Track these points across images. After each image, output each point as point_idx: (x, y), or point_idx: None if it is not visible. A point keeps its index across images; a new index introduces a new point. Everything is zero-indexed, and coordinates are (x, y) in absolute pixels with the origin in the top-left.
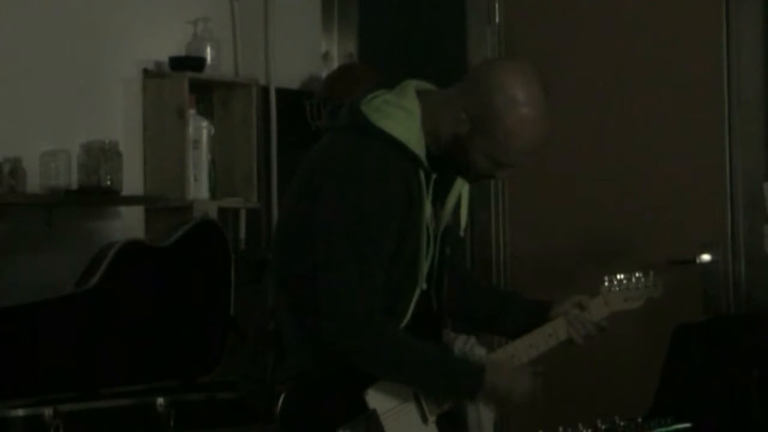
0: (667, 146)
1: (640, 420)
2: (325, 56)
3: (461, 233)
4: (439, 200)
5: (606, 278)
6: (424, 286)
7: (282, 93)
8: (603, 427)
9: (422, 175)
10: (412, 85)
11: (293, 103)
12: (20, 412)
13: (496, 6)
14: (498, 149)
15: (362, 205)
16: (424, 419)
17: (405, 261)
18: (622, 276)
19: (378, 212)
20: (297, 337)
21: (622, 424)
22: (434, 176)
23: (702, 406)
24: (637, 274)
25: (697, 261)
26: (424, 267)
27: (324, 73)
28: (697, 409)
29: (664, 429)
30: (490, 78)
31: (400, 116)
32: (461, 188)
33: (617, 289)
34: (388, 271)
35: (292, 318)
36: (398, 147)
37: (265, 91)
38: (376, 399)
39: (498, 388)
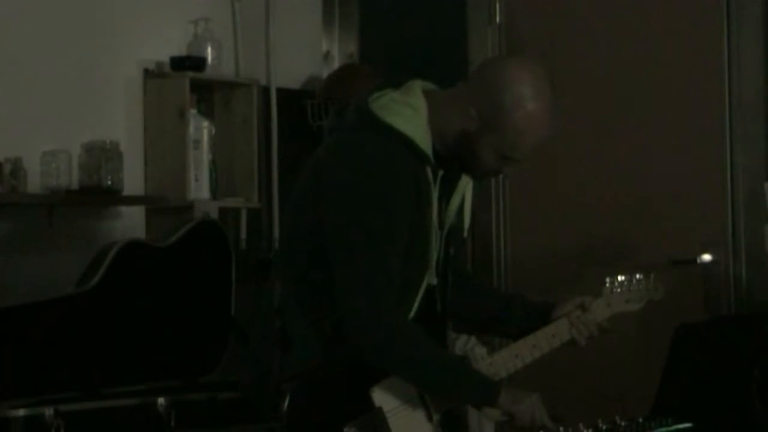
0: (668, 146)
1: (641, 420)
2: (326, 56)
3: (464, 234)
4: (444, 199)
5: (608, 279)
6: (434, 281)
7: (283, 93)
8: (604, 427)
9: (429, 171)
10: (418, 85)
11: (294, 103)
12: (21, 412)
13: (497, 6)
14: (506, 145)
15: (374, 200)
16: (429, 417)
17: (413, 257)
18: (624, 277)
19: (390, 206)
20: (304, 335)
21: (623, 424)
22: (441, 173)
23: (703, 407)
24: (638, 276)
25: (698, 261)
26: (434, 261)
27: (325, 73)
28: (699, 409)
29: (665, 429)
30: (499, 75)
31: (408, 113)
32: (465, 189)
33: (619, 290)
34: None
35: (300, 316)
36: (406, 143)
37: (265, 91)
38: (382, 397)
39: (511, 413)
